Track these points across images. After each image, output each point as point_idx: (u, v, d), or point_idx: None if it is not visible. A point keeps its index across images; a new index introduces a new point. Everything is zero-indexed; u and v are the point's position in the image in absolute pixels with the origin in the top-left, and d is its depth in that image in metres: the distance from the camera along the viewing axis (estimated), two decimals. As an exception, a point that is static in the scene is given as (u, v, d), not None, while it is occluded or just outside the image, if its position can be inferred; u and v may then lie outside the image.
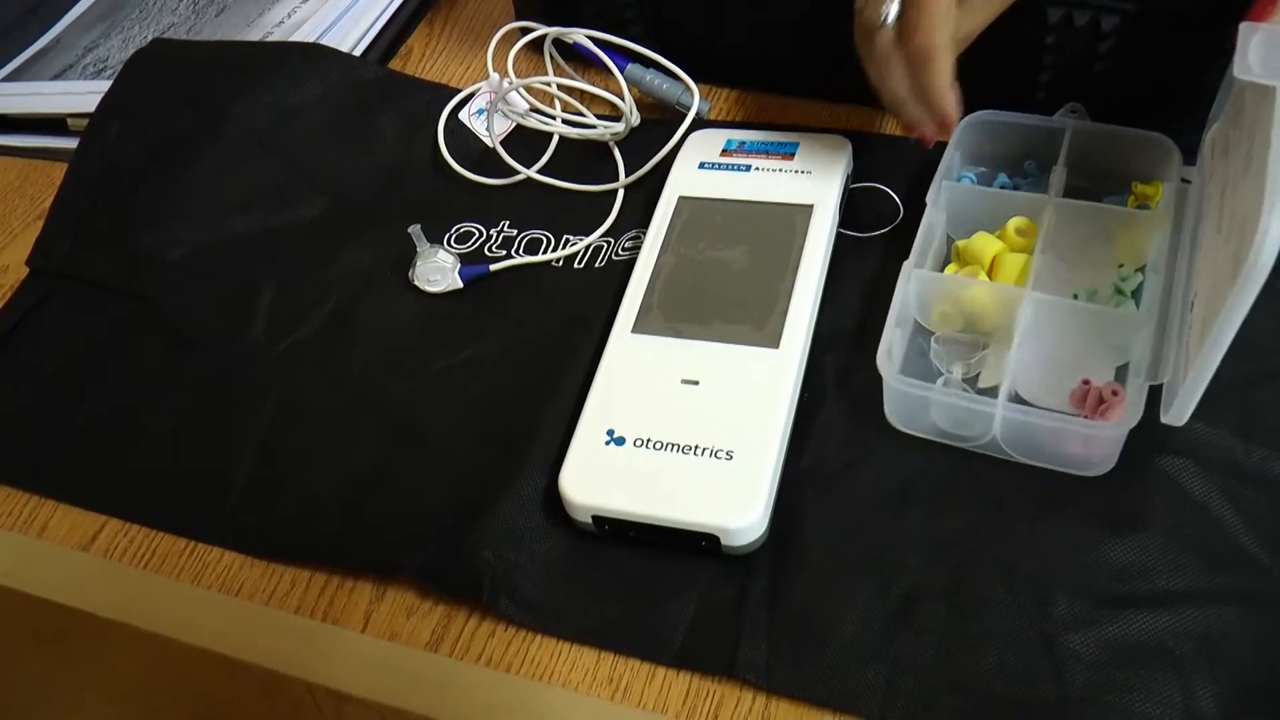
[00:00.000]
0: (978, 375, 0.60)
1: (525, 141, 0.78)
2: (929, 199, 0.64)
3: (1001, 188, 0.67)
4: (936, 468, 0.58)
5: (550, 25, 0.78)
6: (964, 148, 0.67)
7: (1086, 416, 0.56)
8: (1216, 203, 0.56)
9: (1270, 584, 0.53)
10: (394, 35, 0.89)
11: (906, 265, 0.60)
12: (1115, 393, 0.56)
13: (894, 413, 0.58)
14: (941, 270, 0.63)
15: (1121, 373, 0.59)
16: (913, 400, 0.57)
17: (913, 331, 0.62)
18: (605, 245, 0.71)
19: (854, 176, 0.71)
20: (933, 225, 0.63)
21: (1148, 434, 0.54)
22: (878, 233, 0.68)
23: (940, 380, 0.59)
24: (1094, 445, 0.55)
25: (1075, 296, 0.61)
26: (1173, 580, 0.53)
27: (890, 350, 0.57)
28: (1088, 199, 0.64)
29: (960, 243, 0.64)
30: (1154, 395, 0.54)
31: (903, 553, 0.55)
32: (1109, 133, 0.66)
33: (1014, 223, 0.63)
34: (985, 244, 0.62)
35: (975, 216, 0.64)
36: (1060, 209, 0.62)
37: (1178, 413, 0.51)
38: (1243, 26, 0.50)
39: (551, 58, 0.79)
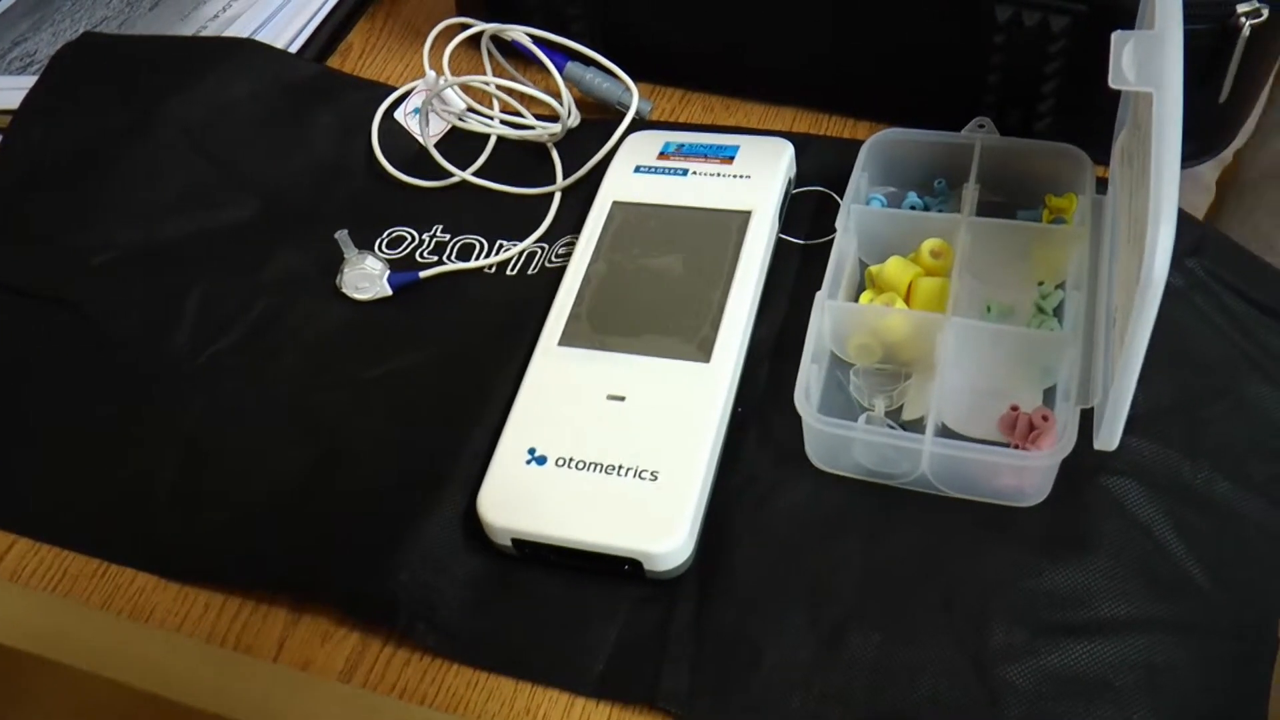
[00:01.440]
0: (901, 407, 0.57)
1: (462, 143, 0.75)
2: (838, 224, 0.61)
3: (912, 208, 0.65)
4: (872, 492, 0.55)
5: (490, 22, 0.75)
6: (871, 168, 0.65)
7: (1017, 445, 0.54)
8: (1126, 213, 0.54)
9: (1213, 611, 0.51)
10: (332, 31, 0.86)
11: (819, 296, 0.57)
12: (1045, 418, 0.54)
13: (815, 453, 0.56)
14: (857, 298, 0.60)
15: (1050, 395, 0.57)
16: (835, 440, 0.54)
17: (830, 365, 0.59)
18: (539, 251, 0.68)
19: (797, 180, 0.68)
20: (844, 252, 0.60)
21: (1090, 453, 0.51)
22: (820, 240, 0.65)
23: (862, 417, 0.56)
24: (1026, 476, 0.53)
25: (989, 310, 0.59)
26: (1115, 608, 0.51)
27: (807, 387, 0.54)
28: (1001, 215, 0.61)
29: (873, 268, 0.61)
30: (1089, 416, 0.52)
31: (835, 579, 0.53)
32: (1019, 146, 0.63)
33: (928, 244, 0.60)
34: (899, 269, 0.60)
35: (887, 240, 0.62)
36: (974, 228, 0.60)
37: (1106, 438, 0.48)
38: (1116, 34, 0.48)
39: (490, 55, 0.76)
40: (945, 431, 0.55)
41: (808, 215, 0.67)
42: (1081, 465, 0.53)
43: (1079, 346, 0.54)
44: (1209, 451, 0.55)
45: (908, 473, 0.54)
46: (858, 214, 0.62)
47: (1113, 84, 0.48)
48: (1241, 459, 0.55)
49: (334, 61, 0.85)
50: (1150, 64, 0.47)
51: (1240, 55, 0.60)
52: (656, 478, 0.53)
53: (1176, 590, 0.52)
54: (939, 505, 0.55)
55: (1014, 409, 0.55)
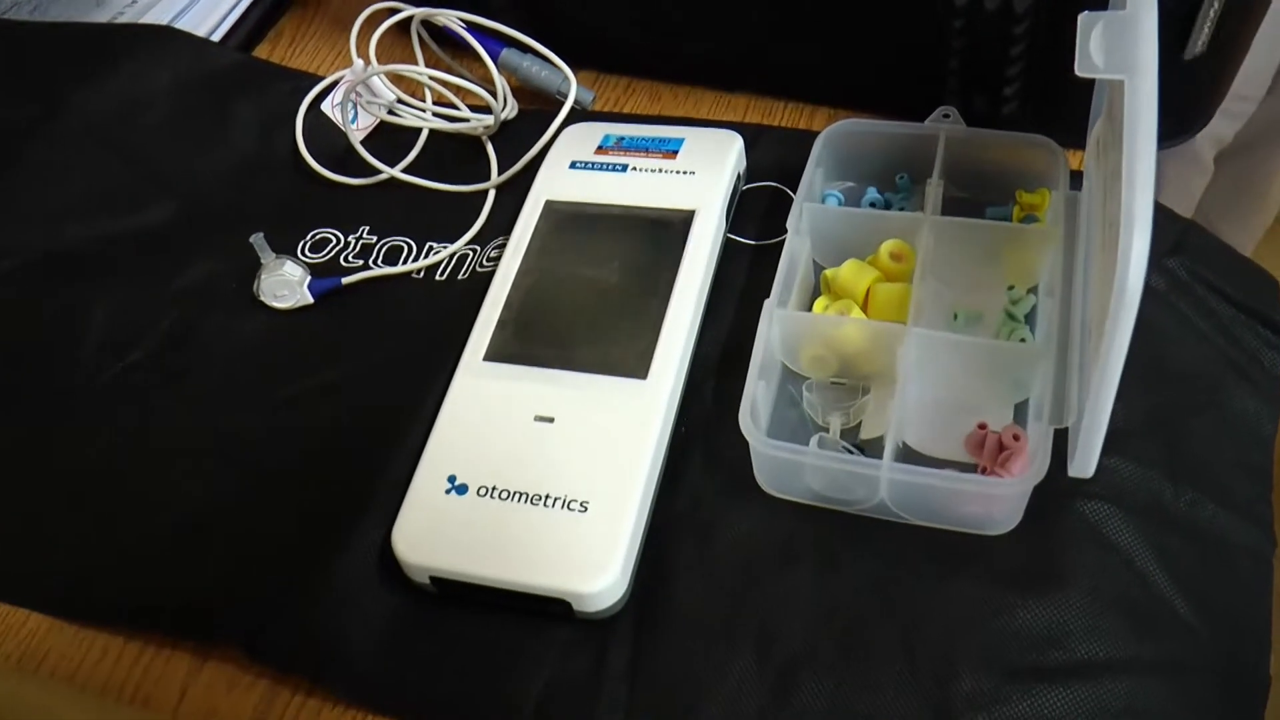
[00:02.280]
0: (859, 424, 0.53)
1: (393, 137, 0.70)
2: (789, 224, 0.56)
3: (871, 205, 0.60)
4: (825, 520, 0.51)
5: (420, 6, 0.70)
6: (826, 162, 0.60)
7: (985, 468, 0.49)
8: (1100, 212, 0.49)
9: (1200, 648, 0.47)
10: (260, 17, 0.81)
11: (768, 304, 0.53)
12: (1016, 438, 0.49)
13: (764, 478, 0.51)
14: (811, 305, 0.55)
15: (1022, 410, 0.52)
16: (785, 464, 0.50)
17: (781, 379, 0.55)
18: (471, 254, 0.63)
19: (748, 175, 0.64)
20: (795, 254, 0.55)
21: (1065, 475, 0.47)
22: (772, 240, 0.60)
23: (814, 439, 0.52)
24: (995, 504, 0.48)
25: (955, 318, 0.54)
26: (1092, 648, 0.46)
27: (753, 406, 0.49)
28: (968, 212, 0.56)
29: (829, 271, 0.56)
30: (1064, 436, 0.47)
31: (785, 616, 0.48)
32: (986, 138, 0.58)
33: (887, 246, 0.55)
34: (857, 273, 0.55)
35: (844, 241, 0.57)
36: (938, 227, 0.55)
37: (1081, 465, 0.44)
38: (1082, 16, 0.43)
39: (421, 42, 0.71)
40: (906, 452, 0.51)
41: (759, 213, 0.62)
42: (1055, 488, 0.48)
43: (1052, 359, 0.49)
44: (1192, 471, 0.51)
45: (865, 499, 0.49)
46: (811, 213, 0.57)
47: (1080, 71, 0.43)
48: (1226, 478, 0.51)
49: (263, 50, 0.80)
50: (1121, 49, 0.42)
51: (1216, 19, 0.55)
52: (587, 508, 0.48)
53: (1160, 626, 0.47)
54: (899, 534, 0.50)
55: (982, 427, 0.50)
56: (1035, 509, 0.49)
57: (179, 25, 0.78)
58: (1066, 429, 0.47)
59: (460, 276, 0.62)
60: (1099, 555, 0.48)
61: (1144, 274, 0.37)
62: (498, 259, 0.60)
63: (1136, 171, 0.38)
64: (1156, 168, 0.38)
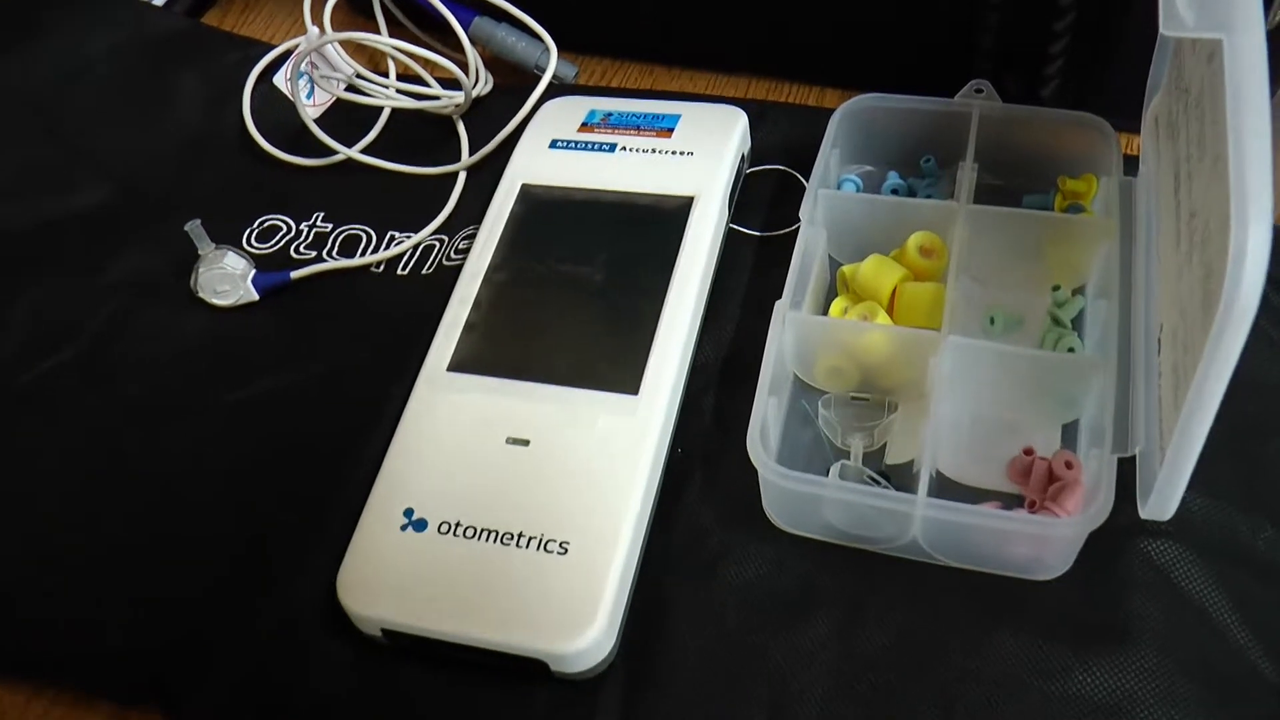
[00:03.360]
0: (884, 447, 0.46)
1: (353, 114, 0.63)
2: (802, 214, 0.49)
3: (894, 192, 0.54)
4: (847, 560, 0.44)
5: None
6: (843, 143, 0.54)
7: (1033, 501, 0.42)
8: (1171, 202, 0.42)
9: (1290, 717, 0.40)
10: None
11: (779, 306, 0.46)
12: (1070, 465, 0.42)
13: (775, 511, 0.44)
14: (827, 307, 0.49)
15: (1071, 431, 0.46)
16: (800, 497, 0.43)
17: (793, 392, 0.48)
18: (437, 245, 0.57)
19: (753, 157, 0.57)
20: (810, 249, 0.49)
21: (1125, 509, 0.40)
22: (782, 231, 0.53)
23: (835, 467, 0.44)
24: (1047, 546, 0.41)
25: (991, 322, 0.47)
26: (1165, 716, 0.39)
27: (763, 428, 0.42)
28: (1004, 201, 0.50)
29: (847, 268, 0.50)
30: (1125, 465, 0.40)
31: (801, 677, 0.41)
32: (1025, 115, 0.52)
33: (916, 239, 0.49)
34: (881, 271, 0.48)
35: (865, 233, 0.51)
36: (973, 218, 0.48)
37: (1159, 505, 0.37)
38: None
39: (385, 10, 0.63)
40: (941, 481, 0.44)
41: (766, 200, 0.56)
42: (1114, 525, 0.40)
43: (1111, 373, 0.42)
44: (1269, 503, 0.44)
45: (894, 538, 0.42)
46: (827, 200, 0.50)
47: (1165, 30, 0.36)
48: (1310, 511, 0.44)
49: (213, 17, 0.74)
50: (1216, 1, 0.34)
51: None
52: (567, 549, 0.41)
53: (1242, 690, 0.40)
54: (934, 577, 0.43)
55: (1028, 452, 0.43)
56: (1091, 549, 0.42)
57: (122, -13, 0.70)
58: (1131, 459, 0.40)
59: (425, 271, 0.56)
60: (1169, 605, 0.42)
61: (1262, 282, 0.30)
62: (467, 251, 0.53)
63: (1247, 151, 0.31)
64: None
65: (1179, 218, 0.40)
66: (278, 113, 0.64)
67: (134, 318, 0.56)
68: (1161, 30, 0.36)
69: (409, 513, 0.43)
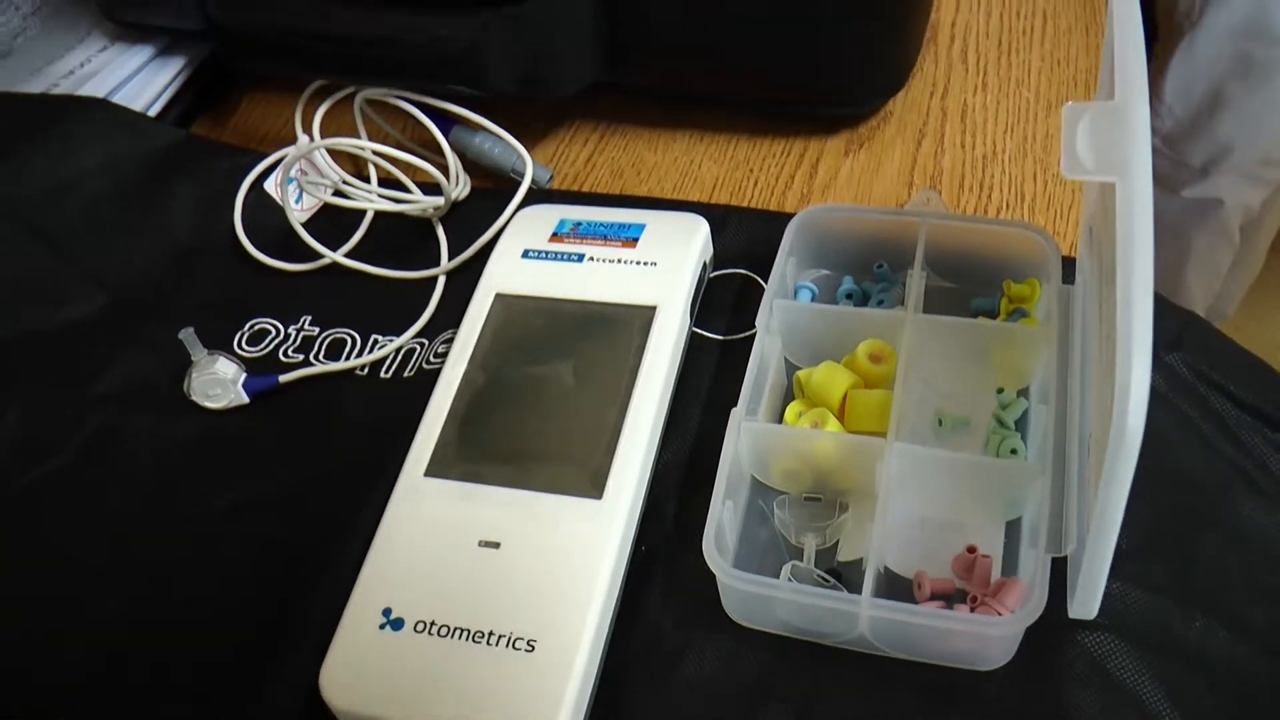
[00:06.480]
0: (837, 544, 0.48)
1: (338, 219, 0.66)
2: (759, 323, 0.52)
3: (848, 295, 0.56)
4: (801, 653, 0.46)
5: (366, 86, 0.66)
6: (799, 250, 0.56)
7: (975, 596, 0.44)
8: (1097, 310, 0.45)
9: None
10: (202, 90, 0.76)
11: (734, 415, 0.48)
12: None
13: (732, 608, 0.47)
14: (783, 409, 0.51)
15: (1014, 528, 0.48)
16: (754, 597, 0.45)
17: (751, 493, 0.50)
18: (418, 349, 0.59)
19: (717, 260, 0.59)
20: (766, 356, 0.51)
21: (1063, 603, 0.43)
22: (742, 335, 0.56)
23: (786, 568, 0.47)
24: (988, 642, 0.43)
25: (940, 423, 0.50)
26: (1098, 802, 0.41)
27: (718, 532, 0.45)
28: (952, 302, 0.53)
29: (802, 374, 0.52)
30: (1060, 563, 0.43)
31: (756, 768, 0.43)
32: (972, 225, 0.55)
33: (865, 347, 0.51)
34: (832, 378, 0.50)
35: (818, 340, 0.53)
36: (921, 326, 0.51)
37: (1083, 605, 0.39)
38: (1067, 108, 0.39)
39: (364, 117, 0.66)
40: (889, 577, 0.46)
41: (728, 304, 0.59)
42: (1054, 619, 0.43)
43: (1048, 477, 0.45)
44: (1201, 595, 0.46)
45: (844, 633, 0.45)
46: (782, 310, 0.53)
47: (1067, 173, 0.39)
48: (1239, 602, 0.46)
49: (203, 127, 0.76)
50: (1112, 146, 0.37)
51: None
52: (534, 647, 0.44)
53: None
54: (882, 668, 0.45)
55: (971, 550, 0.46)
56: (1031, 640, 0.44)
57: (118, 98, 0.73)
58: (1065, 557, 0.43)
59: (406, 374, 0.58)
60: (1105, 697, 0.44)
61: (1145, 413, 0.32)
62: (445, 354, 0.55)
63: (1134, 293, 0.34)
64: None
65: (1101, 332, 0.43)
66: (266, 219, 0.66)
67: (127, 422, 0.58)
68: (1064, 171, 0.39)
69: (387, 612, 0.46)
